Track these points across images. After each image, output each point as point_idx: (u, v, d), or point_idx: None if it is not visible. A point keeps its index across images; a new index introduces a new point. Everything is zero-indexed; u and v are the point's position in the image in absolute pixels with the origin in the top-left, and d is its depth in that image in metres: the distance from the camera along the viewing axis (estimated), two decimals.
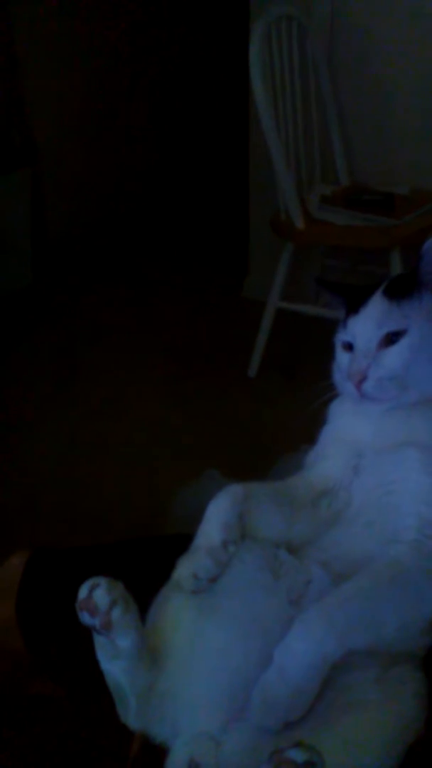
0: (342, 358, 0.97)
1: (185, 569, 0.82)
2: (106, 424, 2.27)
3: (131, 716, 0.80)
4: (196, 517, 0.89)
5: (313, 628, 0.77)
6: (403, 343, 0.90)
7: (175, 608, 0.84)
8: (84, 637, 0.80)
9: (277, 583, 0.85)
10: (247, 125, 2.78)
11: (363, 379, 0.91)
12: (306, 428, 1.03)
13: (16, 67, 3.18)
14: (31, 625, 1.10)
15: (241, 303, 3.02)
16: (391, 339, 0.91)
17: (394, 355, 0.90)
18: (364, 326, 0.92)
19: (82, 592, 0.77)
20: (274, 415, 2.24)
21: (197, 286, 3.21)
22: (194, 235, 3.81)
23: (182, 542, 0.87)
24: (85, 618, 0.76)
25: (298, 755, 0.65)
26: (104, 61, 3.62)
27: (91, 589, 0.76)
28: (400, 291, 0.93)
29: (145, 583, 0.86)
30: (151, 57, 3.87)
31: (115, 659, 0.78)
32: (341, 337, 0.97)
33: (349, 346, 0.95)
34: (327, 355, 1.02)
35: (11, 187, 3.02)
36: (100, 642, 0.79)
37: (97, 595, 0.76)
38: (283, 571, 0.86)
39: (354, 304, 0.96)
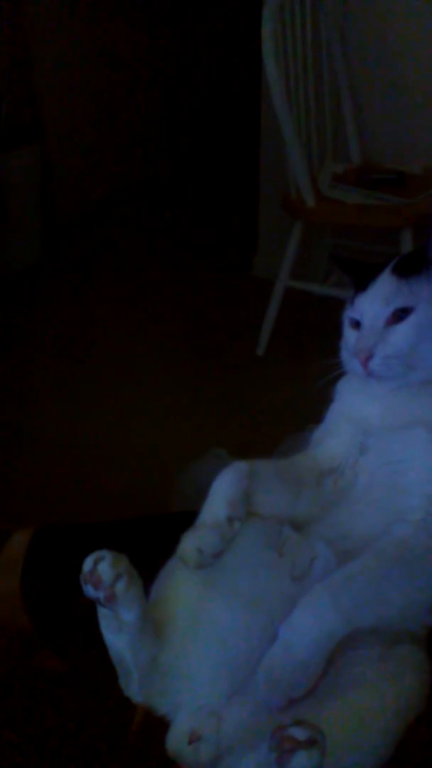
0: (349, 335, 0.96)
1: (190, 544, 0.82)
2: (113, 402, 2.27)
3: (134, 689, 0.81)
4: (201, 496, 0.89)
5: (319, 605, 0.78)
6: (411, 321, 0.89)
7: (179, 583, 0.85)
8: (88, 612, 0.81)
9: (281, 560, 0.85)
10: (259, 102, 2.76)
11: (369, 356, 0.90)
12: (313, 407, 1.03)
13: (25, 44, 3.15)
14: (35, 601, 1.11)
15: (250, 282, 3.01)
16: (399, 317, 0.90)
17: (401, 333, 0.90)
18: (372, 303, 0.92)
19: (87, 565, 0.77)
20: (282, 393, 2.23)
21: (206, 265, 3.20)
22: (204, 213, 3.79)
23: (187, 519, 0.87)
24: (90, 591, 0.77)
25: (300, 733, 0.65)
26: (114, 37, 3.59)
27: (96, 562, 0.77)
28: (409, 269, 0.92)
29: (149, 558, 0.86)
30: (161, 34, 3.83)
31: (118, 632, 0.79)
32: (349, 314, 0.97)
33: (356, 324, 0.95)
34: (335, 334, 1.01)
35: (21, 163, 3.01)
36: (103, 615, 0.79)
37: (102, 568, 0.76)
38: (287, 548, 0.86)
39: (362, 282, 0.95)
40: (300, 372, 2.26)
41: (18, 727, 0.96)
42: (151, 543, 0.92)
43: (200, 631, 0.81)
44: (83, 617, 0.82)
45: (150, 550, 0.87)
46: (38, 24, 3.19)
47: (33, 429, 2.15)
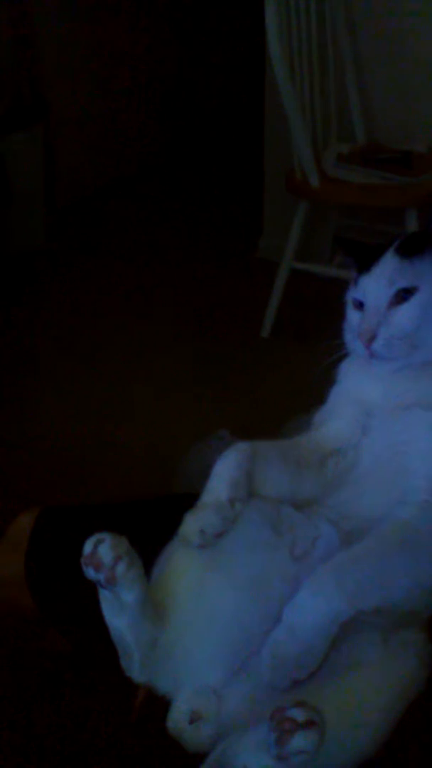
0: (352, 316, 0.95)
1: (192, 524, 0.82)
2: (117, 384, 2.27)
3: (135, 669, 0.81)
4: (205, 477, 0.88)
5: (323, 587, 0.78)
6: (414, 301, 0.89)
7: (181, 563, 0.84)
8: (91, 593, 0.81)
9: (283, 541, 0.85)
10: (263, 83, 2.73)
11: (373, 337, 0.90)
12: (318, 388, 1.03)
13: (28, 24, 3.13)
14: (39, 581, 1.11)
15: (255, 263, 2.99)
16: (402, 297, 0.89)
17: (405, 314, 0.89)
18: (376, 283, 0.91)
19: (87, 547, 0.77)
20: (286, 375, 2.23)
21: (211, 246, 3.18)
22: (208, 194, 3.77)
23: (190, 501, 0.86)
24: (90, 573, 0.77)
25: (299, 714, 0.65)
26: (117, 19, 3.56)
27: (96, 545, 0.77)
28: (413, 249, 0.92)
29: (152, 539, 0.86)
30: (163, 17, 3.80)
31: (119, 614, 0.79)
32: (352, 295, 0.96)
33: (359, 305, 0.94)
34: (340, 315, 1.01)
35: (24, 145, 2.99)
36: (105, 596, 0.80)
37: (102, 551, 0.76)
38: (287, 527, 0.86)
39: (366, 262, 0.95)
40: (305, 353, 2.26)
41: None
42: (154, 524, 0.92)
43: (201, 611, 0.81)
44: (88, 598, 0.82)
45: (153, 531, 0.87)
46: (41, 5, 3.16)
47: (36, 410, 2.16)
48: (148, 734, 0.80)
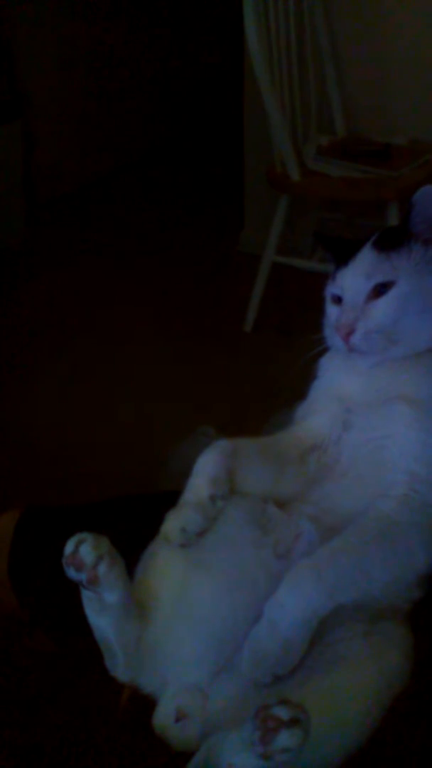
0: (331, 311, 0.96)
1: (173, 523, 0.82)
2: (101, 380, 2.26)
3: (119, 669, 0.81)
4: (189, 473, 0.88)
5: (303, 583, 0.78)
6: (392, 295, 0.89)
7: (163, 562, 0.85)
8: (75, 593, 0.81)
9: (265, 537, 0.85)
10: (243, 77, 2.73)
11: (351, 332, 0.90)
12: (302, 383, 1.03)
13: (4, 18, 3.10)
14: (23, 582, 1.11)
15: (237, 257, 2.99)
16: (380, 291, 0.89)
17: (383, 307, 0.89)
18: (353, 278, 0.91)
19: (68, 547, 0.77)
20: (270, 370, 2.23)
21: (193, 240, 3.17)
22: (189, 188, 3.75)
23: (173, 498, 0.86)
24: (72, 573, 0.77)
25: (284, 712, 0.65)
26: (98, 13, 3.53)
27: (77, 545, 0.77)
28: (390, 243, 0.92)
29: (136, 538, 0.86)
30: (146, 10, 3.78)
31: (102, 614, 0.79)
32: (330, 289, 0.96)
33: (338, 299, 0.94)
34: (321, 309, 1.01)
35: (1, 140, 2.96)
36: (87, 597, 0.80)
37: (83, 551, 0.76)
38: (271, 526, 0.86)
39: (344, 257, 0.95)
40: (288, 348, 2.25)
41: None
42: (137, 522, 0.92)
43: (185, 610, 0.81)
44: (72, 597, 0.82)
45: (136, 530, 0.86)
46: (18, 2, 3.14)
47: (20, 410, 2.15)
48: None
